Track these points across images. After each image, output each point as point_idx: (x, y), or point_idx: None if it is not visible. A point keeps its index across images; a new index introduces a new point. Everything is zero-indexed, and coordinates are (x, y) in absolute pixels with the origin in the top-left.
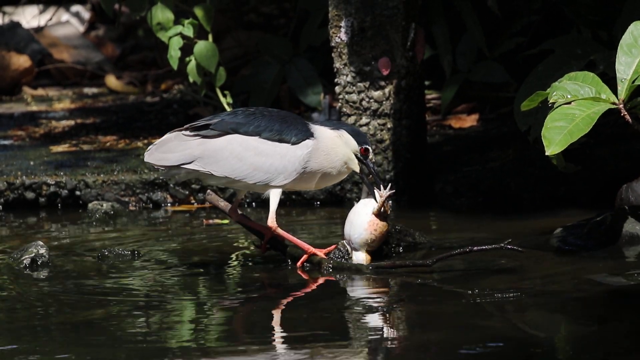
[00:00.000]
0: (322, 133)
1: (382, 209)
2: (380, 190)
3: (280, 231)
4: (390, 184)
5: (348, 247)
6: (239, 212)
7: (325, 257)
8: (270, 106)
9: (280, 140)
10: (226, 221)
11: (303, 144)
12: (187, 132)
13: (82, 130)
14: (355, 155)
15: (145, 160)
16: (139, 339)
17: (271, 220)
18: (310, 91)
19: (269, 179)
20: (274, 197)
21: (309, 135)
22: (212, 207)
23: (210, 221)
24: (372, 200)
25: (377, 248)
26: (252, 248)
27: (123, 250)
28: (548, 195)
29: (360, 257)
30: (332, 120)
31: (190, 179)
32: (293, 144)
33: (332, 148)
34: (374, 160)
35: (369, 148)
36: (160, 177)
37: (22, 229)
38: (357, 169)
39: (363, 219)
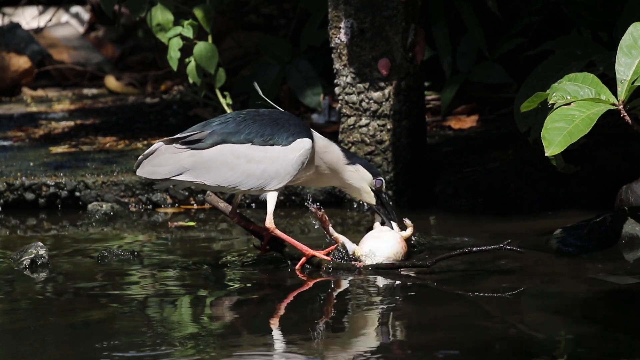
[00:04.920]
0: (333, 149)
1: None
2: (393, 219)
3: (278, 232)
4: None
5: (353, 246)
6: (238, 211)
7: (325, 257)
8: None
9: (273, 144)
10: (192, 223)
11: (294, 146)
12: (178, 146)
13: (81, 131)
14: (371, 188)
15: (137, 173)
16: (139, 340)
17: (269, 222)
18: (310, 92)
19: (262, 184)
20: (271, 199)
21: (303, 136)
22: (212, 208)
23: (176, 223)
24: (388, 228)
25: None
26: (251, 247)
27: (123, 251)
28: (548, 196)
29: (347, 244)
30: (346, 150)
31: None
32: (284, 146)
33: (342, 173)
34: (385, 191)
35: (382, 180)
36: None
37: (21, 230)
38: (374, 202)
39: (394, 235)
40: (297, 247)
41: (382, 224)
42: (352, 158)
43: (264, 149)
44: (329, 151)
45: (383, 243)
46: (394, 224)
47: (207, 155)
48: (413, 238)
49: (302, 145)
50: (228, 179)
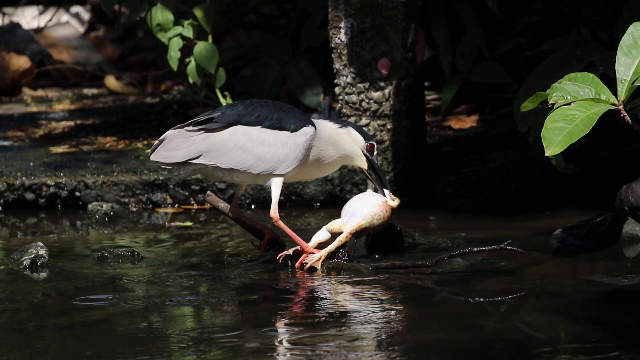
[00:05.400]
0: (330, 129)
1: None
2: (385, 185)
3: (281, 223)
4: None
5: (326, 231)
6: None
7: (324, 255)
8: None
9: (281, 129)
10: (189, 223)
11: (301, 131)
12: (191, 128)
13: (81, 131)
14: (362, 152)
15: (151, 159)
16: (139, 340)
17: (273, 211)
18: (310, 92)
19: (272, 167)
20: (276, 188)
21: (307, 123)
22: (212, 208)
23: (173, 223)
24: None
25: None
26: (252, 248)
27: (123, 251)
28: (548, 196)
29: (322, 236)
30: (336, 118)
31: (191, 178)
32: (292, 131)
33: (336, 143)
34: (376, 156)
35: (374, 144)
36: (161, 178)
37: (21, 230)
38: (365, 166)
39: (378, 198)
40: (297, 242)
41: (375, 191)
42: (342, 122)
43: (274, 133)
44: (322, 127)
45: (364, 204)
46: (386, 191)
47: (221, 137)
48: (416, 237)
49: (308, 130)
50: (241, 162)
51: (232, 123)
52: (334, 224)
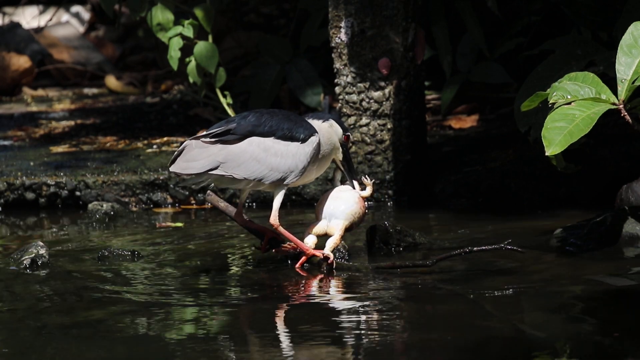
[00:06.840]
0: (319, 127)
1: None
2: (354, 177)
3: (281, 229)
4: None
5: (310, 236)
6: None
7: (324, 256)
8: (270, 107)
9: (291, 139)
10: (179, 224)
11: (310, 140)
12: (207, 139)
13: (82, 130)
14: (340, 144)
15: (170, 170)
16: (139, 340)
17: (273, 218)
18: (310, 92)
19: (283, 177)
20: (279, 196)
21: (313, 131)
22: (212, 208)
23: (164, 224)
24: (348, 187)
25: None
26: (252, 249)
27: (123, 251)
28: (548, 196)
29: (313, 240)
30: (316, 113)
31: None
32: (302, 141)
33: (328, 138)
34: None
35: (350, 135)
36: (161, 178)
37: (22, 229)
38: (341, 157)
39: (353, 195)
40: (298, 245)
41: (342, 182)
42: (323, 116)
43: (285, 144)
44: (317, 128)
45: (342, 203)
46: (355, 183)
47: (238, 148)
48: (417, 237)
49: (315, 139)
50: (255, 172)
51: (247, 134)
52: (319, 227)
